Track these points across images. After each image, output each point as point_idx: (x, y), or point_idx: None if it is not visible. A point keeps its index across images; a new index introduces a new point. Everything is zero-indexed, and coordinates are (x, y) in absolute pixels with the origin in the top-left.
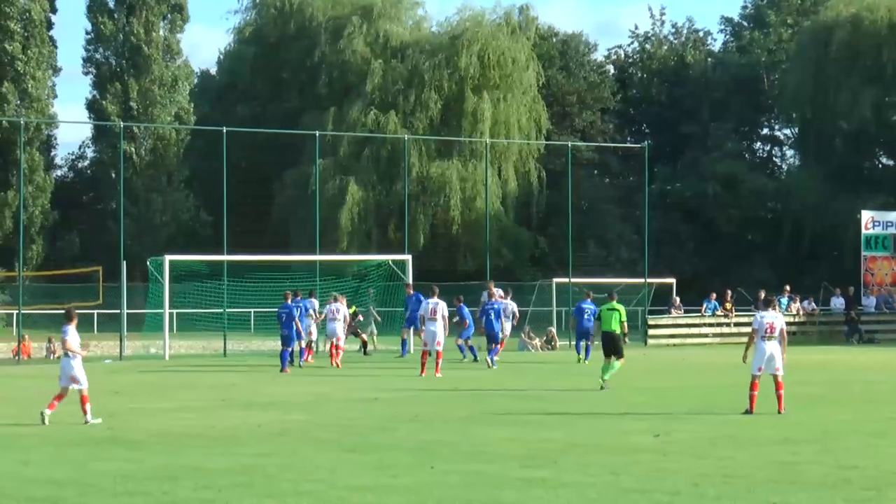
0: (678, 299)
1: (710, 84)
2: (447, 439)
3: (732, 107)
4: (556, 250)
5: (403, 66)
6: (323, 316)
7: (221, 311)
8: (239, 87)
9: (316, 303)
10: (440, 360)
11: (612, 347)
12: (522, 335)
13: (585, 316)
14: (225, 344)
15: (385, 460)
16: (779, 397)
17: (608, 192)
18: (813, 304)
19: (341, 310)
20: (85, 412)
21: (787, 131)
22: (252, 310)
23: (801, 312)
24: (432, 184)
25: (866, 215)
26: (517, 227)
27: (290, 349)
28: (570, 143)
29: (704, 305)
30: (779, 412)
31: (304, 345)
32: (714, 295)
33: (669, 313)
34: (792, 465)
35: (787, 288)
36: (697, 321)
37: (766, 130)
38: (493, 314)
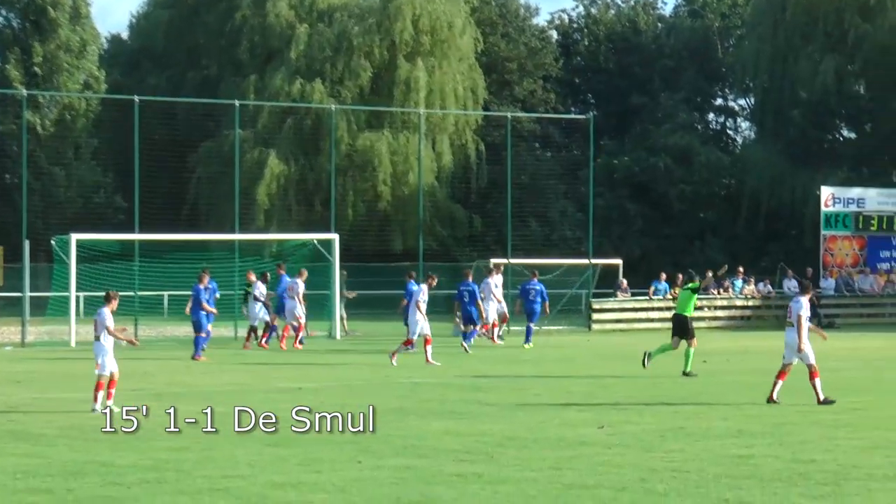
0: (625, 282)
1: (660, 51)
2: (377, 432)
3: (684, 76)
4: (494, 229)
5: (331, 30)
6: (269, 297)
7: (133, 294)
8: (153, 53)
9: (262, 287)
10: (427, 347)
11: (684, 330)
12: (456, 320)
13: (531, 297)
14: (136, 329)
15: (309, 455)
16: (812, 386)
17: (551, 166)
18: (769, 286)
19: (300, 287)
20: (95, 399)
21: (743, 102)
22: (166, 293)
23: (756, 295)
24: (361, 157)
25: (826, 192)
26: (453, 203)
27: (203, 334)
28: (509, 114)
29: (652, 288)
30: (818, 402)
31: (257, 326)
32: (664, 276)
33: (615, 296)
34: (746, 458)
35: (741, 269)
36: (645, 305)
37: (720, 101)
38: (467, 296)
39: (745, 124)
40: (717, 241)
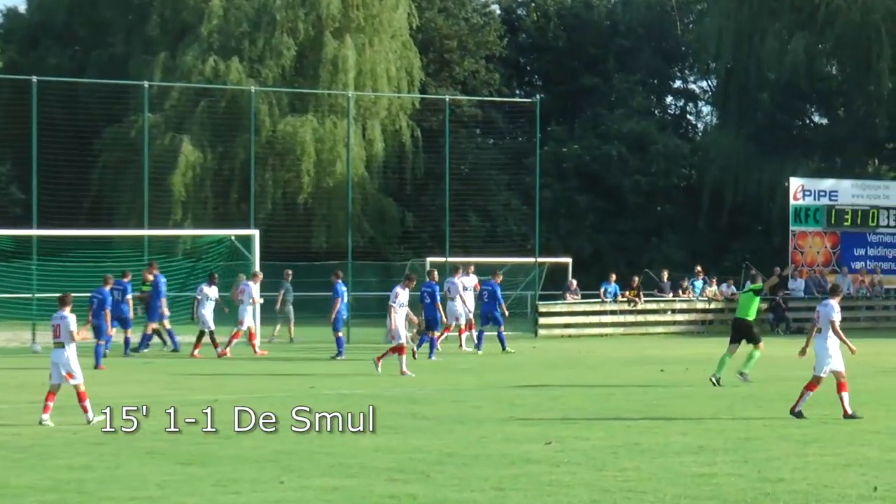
0: (575, 282)
1: (614, 28)
2: (301, 449)
3: (640, 55)
4: (431, 224)
5: (249, 4)
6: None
7: (30, 296)
8: (54, 28)
9: (215, 289)
10: (402, 356)
11: (747, 335)
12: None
13: (485, 299)
14: (34, 335)
15: (226, 474)
16: (840, 399)
17: (494, 154)
18: (733, 287)
19: (253, 291)
20: (85, 409)
21: (704, 84)
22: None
23: (718, 297)
24: (283, 145)
25: (795, 183)
26: (384, 196)
27: (103, 342)
28: (448, 97)
29: (603, 289)
30: (844, 416)
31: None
32: (614, 277)
33: (564, 299)
34: (707, 478)
35: (700, 269)
36: (597, 308)
37: (679, 83)
38: (428, 297)
39: (706, 109)
40: (676, 237)
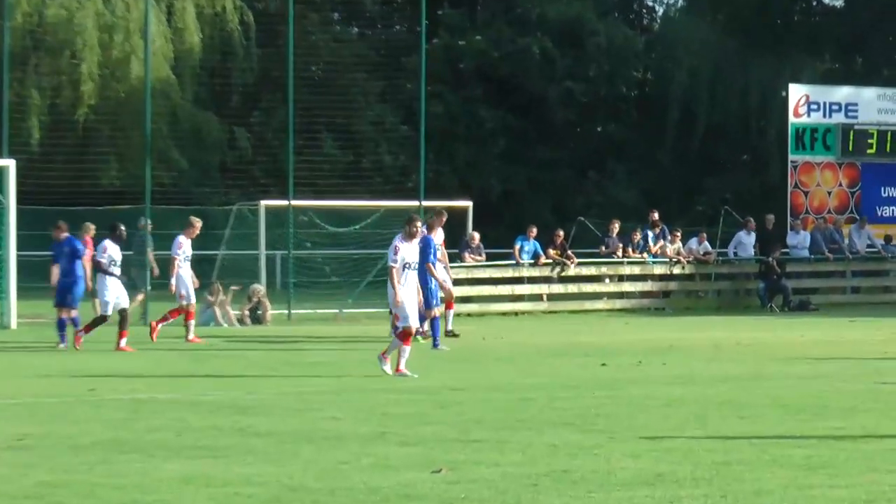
0: (477, 236)
1: None
2: (75, 480)
3: None
4: (267, 152)
5: None
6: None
7: None
8: None
9: (112, 247)
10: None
11: None
12: (208, 296)
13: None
14: None
15: None
16: None
17: (360, 50)
18: (706, 243)
19: (186, 248)
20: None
21: None
22: None
23: (683, 259)
24: (54, 37)
25: (797, 92)
26: (201, 111)
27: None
28: None
29: (518, 246)
30: None
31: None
32: (534, 229)
33: (461, 260)
34: None
35: (656, 216)
36: (510, 274)
37: None
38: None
39: None
40: (625, 171)
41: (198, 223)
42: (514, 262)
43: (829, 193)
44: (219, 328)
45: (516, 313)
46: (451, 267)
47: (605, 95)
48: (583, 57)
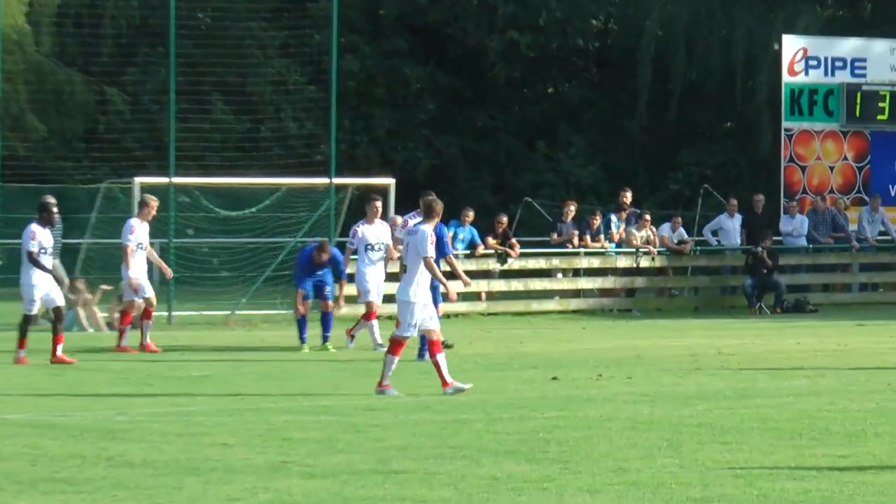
0: (400, 220)
1: None
2: None
3: None
4: (143, 118)
5: None
6: None
7: None
8: None
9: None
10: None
11: None
12: (70, 295)
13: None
14: None
15: None
16: None
17: None
18: (681, 230)
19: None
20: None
21: None
22: None
23: (654, 246)
24: None
25: (792, 45)
26: (62, 68)
27: None
28: None
29: (451, 234)
30: None
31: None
32: (470, 214)
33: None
34: None
35: (628, 197)
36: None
37: None
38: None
39: None
40: (582, 142)
41: (153, 202)
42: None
43: (832, 169)
44: (83, 333)
45: (447, 315)
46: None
47: (558, 49)
48: (530, 2)
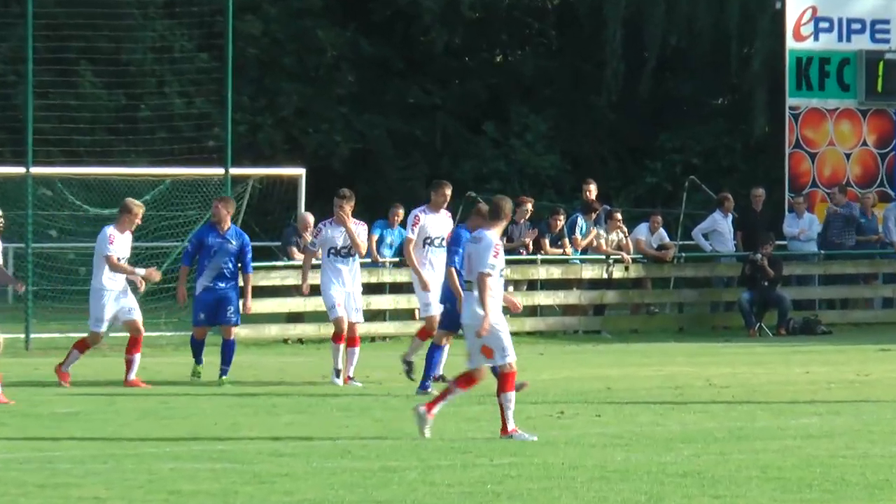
0: (312, 220)
1: None
2: None
3: None
4: None
5: None
6: None
7: None
8: None
9: None
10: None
11: None
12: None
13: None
14: None
15: None
16: None
17: None
18: (662, 232)
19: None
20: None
21: None
22: None
23: (627, 252)
24: None
25: (798, 4)
26: None
27: None
28: None
29: (376, 236)
30: None
31: None
32: (400, 212)
33: (288, 256)
34: None
35: (592, 191)
36: (364, 279)
37: None
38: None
39: None
40: (538, 123)
41: (137, 208)
42: (369, 260)
43: (848, 156)
44: None
45: (373, 338)
46: (272, 266)
47: (508, 9)
48: None
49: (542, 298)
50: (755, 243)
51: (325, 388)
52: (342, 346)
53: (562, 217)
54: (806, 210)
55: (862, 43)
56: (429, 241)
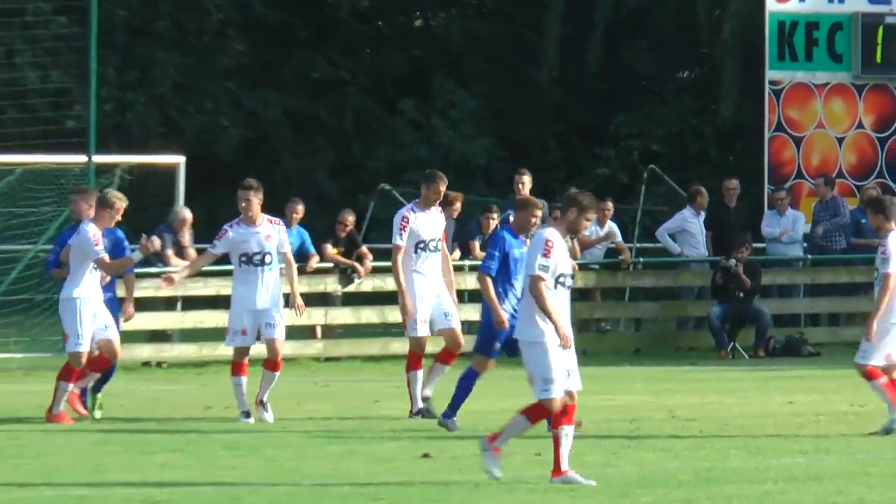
0: (190, 218)
1: None
2: None
3: None
4: None
5: None
6: None
7: None
8: None
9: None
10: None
11: None
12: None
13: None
14: None
15: None
16: None
17: None
18: (611, 223)
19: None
20: None
21: None
22: None
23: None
24: None
25: None
26: None
27: None
28: None
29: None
30: None
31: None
32: (299, 209)
33: (164, 261)
34: None
35: (524, 182)
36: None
37: None
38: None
39: None
40: (468, 101)
41: (119, 202)
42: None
43: (841, 141)
44: None
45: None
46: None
47: None
48: None
49: (471, 313)
50: (728, 246)
51: (206, 422)
52: (244, 380)
53: (495, 215)
54: (789, 206)
55: (857, 4)
56: (422, 245)
